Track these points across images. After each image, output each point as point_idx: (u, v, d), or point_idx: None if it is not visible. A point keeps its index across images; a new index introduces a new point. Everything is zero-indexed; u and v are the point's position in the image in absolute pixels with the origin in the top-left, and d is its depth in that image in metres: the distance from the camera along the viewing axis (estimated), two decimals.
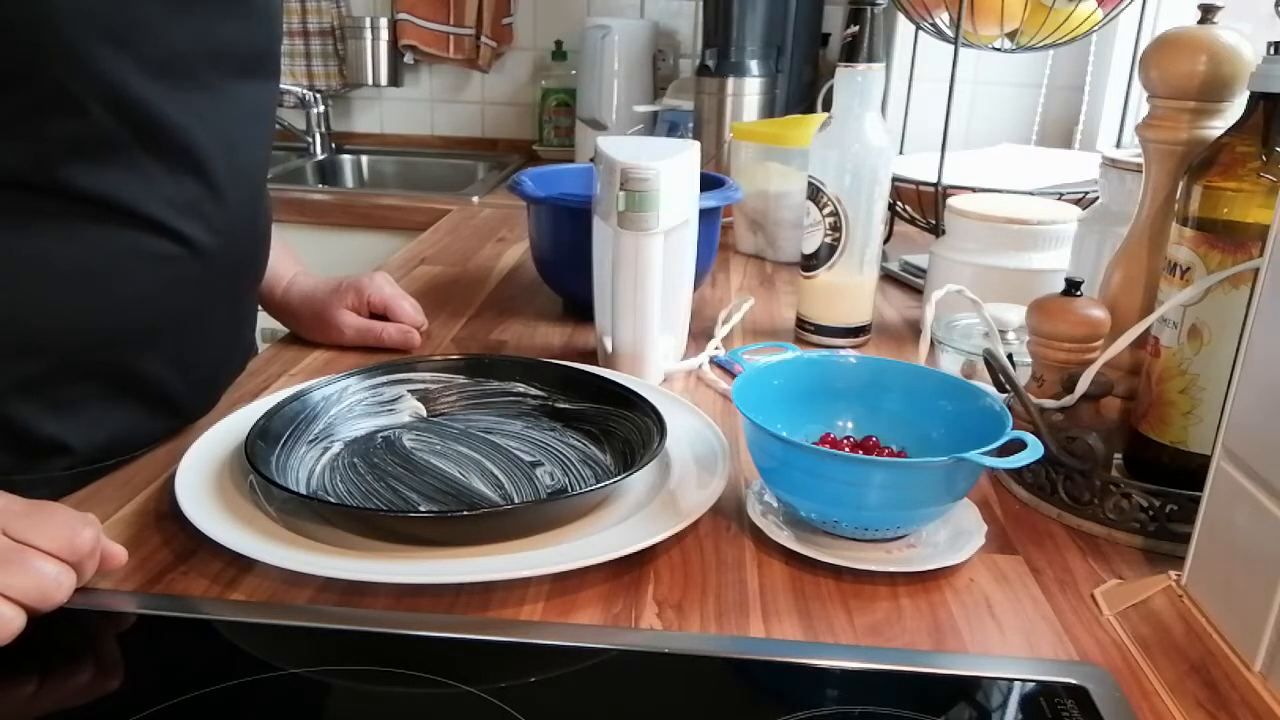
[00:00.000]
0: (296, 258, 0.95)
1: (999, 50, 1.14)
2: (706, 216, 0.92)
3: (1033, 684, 0.47)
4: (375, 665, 0.47)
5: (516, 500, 0.62)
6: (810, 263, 0.92)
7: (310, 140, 2.09)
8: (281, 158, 2.02)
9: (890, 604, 0.54)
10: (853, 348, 0.94)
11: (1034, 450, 0.54)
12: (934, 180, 1.07)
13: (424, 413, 0.74)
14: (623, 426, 0.69)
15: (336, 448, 0.68)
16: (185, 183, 0.64)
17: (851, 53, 0.86)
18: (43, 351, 0.61)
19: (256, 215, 0.74)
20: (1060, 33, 1.05)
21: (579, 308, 1.01)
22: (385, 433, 0.70)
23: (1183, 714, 0.46)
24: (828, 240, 0.90)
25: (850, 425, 0.66)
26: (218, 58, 0.64)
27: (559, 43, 2.07)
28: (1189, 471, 0.59)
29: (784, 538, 0.58)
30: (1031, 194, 1.04)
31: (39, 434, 0.62)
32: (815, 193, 0.90)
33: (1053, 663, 0.49)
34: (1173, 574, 0.53)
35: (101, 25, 0.57)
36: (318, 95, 2.08)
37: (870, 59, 0.86)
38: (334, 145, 2.14)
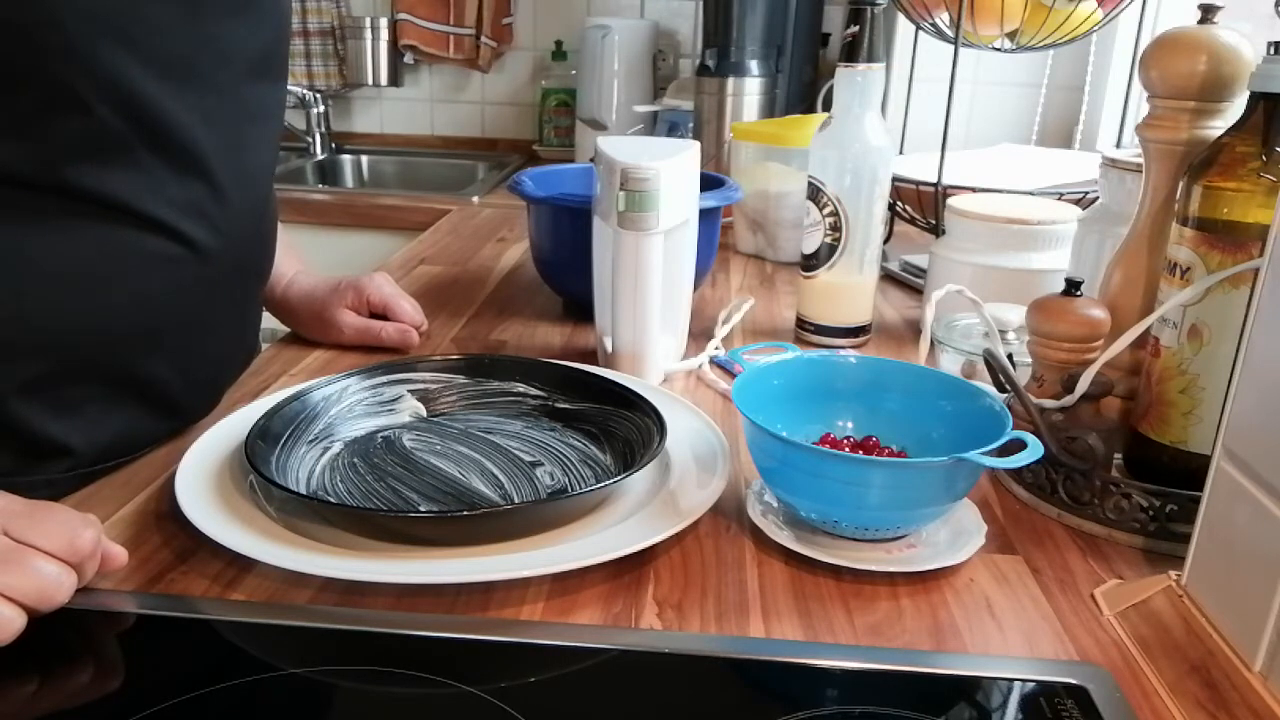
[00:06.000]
0: (299, 256, 0.95)
1: (999, 50, 1.14)
2: (706, 216, 0.92)
3: (1033, 684, 0.48)
4: (375, 665, 0.47)
5: (516, 500, 0.62)
6: (810, 263, 0.92)
7: (310, 140, 2.09)
8: (281, 158, 2.02)
9: (890, 604, 0.54)
10: (853, 348, 0.94)
11: (1034, 450, 0.54)
12: (934, 180, 1.07)
13: (424, 413, 0.74)
14: (623, 426, 0.69)
15: (336, 448, 0.68)
16: (190, 184, 0.64)
17: (851, 53, 0.86)
18: (45, 352, 0.61)
19: (261, 217, 0.74)
20: (1060, 33, 1.05)
21: (579, 308, 1.01)
22: (385, 433, 0.70)
23: (1183, 714, 0.46)
24: (828, 240, 0.90)
25: (850, 425, 0.66)
26: (225, 58, 0.64)
27: (559, 43, 2.07)
28: (1189, 471, 0.59)
29: (784, 538, 0.58)
30: (1031, 194, 1.04)
31: (41, 435, 0.62)
32: (815, 193, 0.90)
33: (1053, 663, 0.49)
34: (1173, 574, 0.53)
35: (107, 25, 0.57)
36: (318, 95, 2.08)
37: (870, 59, 0.86)
38: (334, 145, 2.14)
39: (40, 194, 0.59)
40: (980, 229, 0.92)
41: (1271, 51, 0.55)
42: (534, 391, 0.75)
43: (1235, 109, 0.61)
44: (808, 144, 0.92)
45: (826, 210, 0.89)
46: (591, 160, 0.92)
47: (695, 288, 0.94)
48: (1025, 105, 1.68)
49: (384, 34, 2.06)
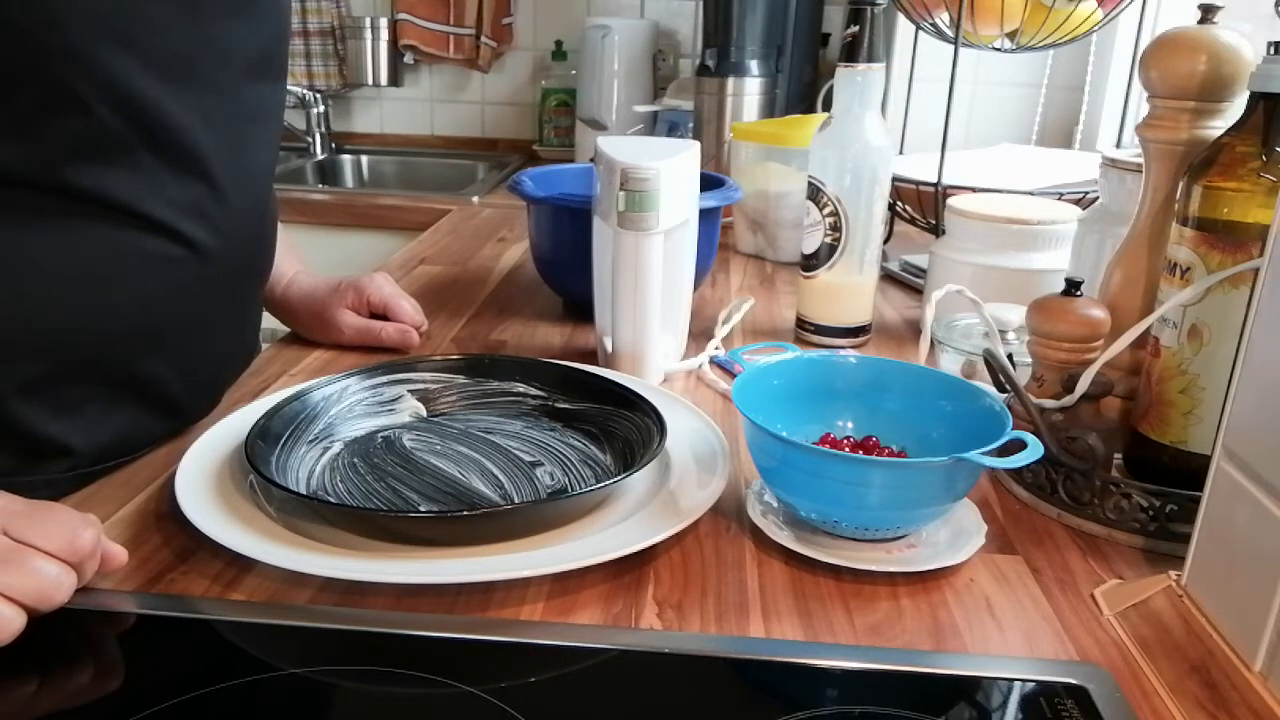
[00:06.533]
0: (299, 256, 0.95)
1: (999, 50, 1.14)
2: (706, 216, 0.92)
3: (1033, 684, 0.48)
4: (375, 665, 0.47)
5: (516, 500, 0.62)
6: (810, 263, 0.92)
7: (310, 140, 2.09)
8: (282, 158, 2.02)
9: (890, 604, 0.54)
10: (853, 348, 0.94)
11: (1034, 450, 0.54)
12: (934, 180, 1.07)
13: (424, 413, 0.74)
14: (623, 426, 0.69)
15: (336, 448, 0.68)
16: (190, 184, 0.64)
17: (851, 53, 0.86)
18: (45, 352, 0.61)
19: (261, 217, 0.74)
20: (1060, 33, 1.05)
21: (579, 308, 1.01)
22: (385, 433, 0.70)
23: (1183, 714, 0.46)
24: (828, 240, 0.90)
25: (850, 425, 0.66)
26: (225, 58, 0.64)
27: (559, 43, 2.07)
28: (1189, 471, 0.59)
29: (784, 538, 0.58)
30: (1031, 194, 1.04)
31: (41, 435, 0.62)
32: (815, 193, 0.90)
33: (1053, 663, 0.49)
34: (1173, 574, 0.53)
35: (107, 26, 0.56)
36: (318, 95, 2.08)
37: (870, 59, 0.86)
38: (334, 145, 2.14)
39: (40, 194, 0.59)
40: (980, 229, 0.92)
41: (1271, 51, 0.55)
42: (534, 391, 0.75)
43: (1235, 109, 0.61)
44: (808, 144, 0.92)
45: (826, 210, 0.89)
46: (591, 160, 0.92)
47: (695, 288, 0.94)
48: (1025, 105, 1.68)
49: (384, 34, 2.06)
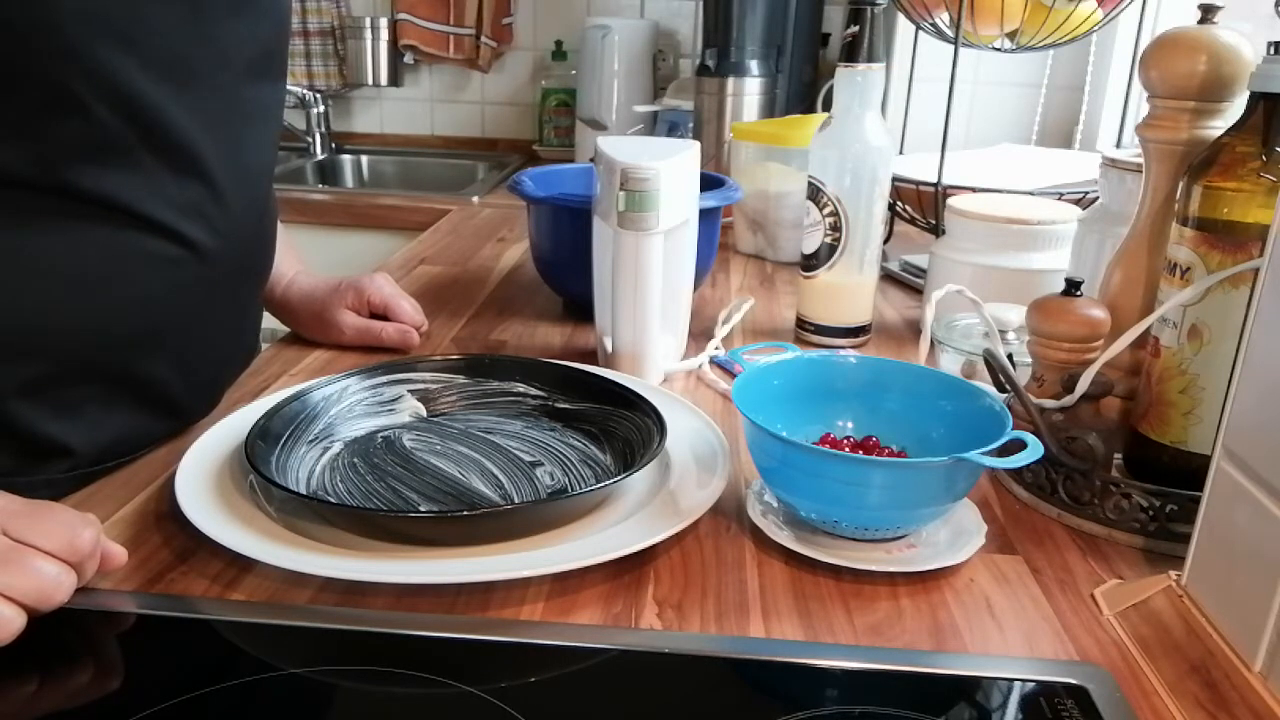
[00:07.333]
0: (299, 256, 0.95)
1: (999, 50, 1.14)
2: (706, 216, 0.92)
3: (1033, 684, 0.48)
4: (375, 665, 0.47)
5: (516, 500, 0.62)
6: (810, 263, 0.92)
7: (310, 140, 2.09)
8: (282, 158, 2.02)
9: (890, 604, 0.54)
10: (853, 348, 0.94)
11: (1034, 450, 0.54)
12: (934, 180, 1.07)
13: (424, 413, 0.74)
14: (623, 426, 0.69)
15: (336, 448, 0.68)
16: (189, 184, 0.64)
17: (851, 53, 0.86)
18: (44, 353, 0.61)
19: (261, 217, 0.74)
20: (1060, 33, 1.05)
21: (579, 308, 1.01)
22: (385, 433, 0.70)
23: (1183, 714, 0.46)
24: (828, 240, 0.90)
25: (850, 425, 0.66)
26: (225, 59, 0.64)
27: (559, 43, 2.07)
28: (1189, 471, 0.59)
29: (784, 538, 0.58)
30: (1031, 194, 1.04)
31: (41, 435, 0.62)
32: (815, 193, 0.90)
33: (1053, 663, 0.49)
34: (1173, 574, 0.53)
35: (105, 26, 0.56)
36: (318, 95, 2.08)
37: (870, 59, 0.86)
38: (334, 145, 2.14)
39: (40, 195, 0.59)
40: (980, 229, 0.92)
41: (1271, 51, 0.55)
42: (534, 391, 0.75)
43: (1235, 109, 0.61)
44: (808, 144, 0.92)
45: (826, 210, 0.89)
46: (591, 160, 0.92)
47: (695, 288, 0.94)
48: (1025, 105, 1.68)
49: (384, 34, 2.06)
